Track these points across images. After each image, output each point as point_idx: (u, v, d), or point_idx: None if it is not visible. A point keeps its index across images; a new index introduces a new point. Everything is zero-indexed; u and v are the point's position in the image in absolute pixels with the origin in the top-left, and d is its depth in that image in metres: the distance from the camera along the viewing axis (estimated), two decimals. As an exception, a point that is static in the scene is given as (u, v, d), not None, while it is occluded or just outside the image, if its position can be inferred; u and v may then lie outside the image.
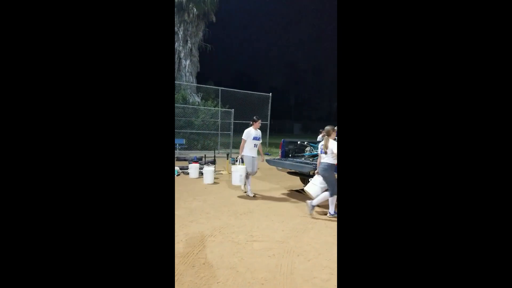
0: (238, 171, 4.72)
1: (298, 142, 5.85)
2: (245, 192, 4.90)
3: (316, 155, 5.36)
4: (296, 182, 5.90)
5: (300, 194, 5.00)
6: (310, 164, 4.51)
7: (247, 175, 4.75)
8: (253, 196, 4.71)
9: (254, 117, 4.86)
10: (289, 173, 5.16)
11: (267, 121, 12.47)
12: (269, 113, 12.63)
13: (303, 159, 5.30)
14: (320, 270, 2.26)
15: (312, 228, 3.26)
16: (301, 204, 4.34)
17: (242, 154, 4.73)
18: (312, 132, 38.55)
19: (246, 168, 4.70)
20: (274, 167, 5.28)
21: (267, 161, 5.34)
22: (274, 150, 12.56)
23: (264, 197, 4.70)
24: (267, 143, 12.54)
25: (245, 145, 4.69)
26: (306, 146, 5.77)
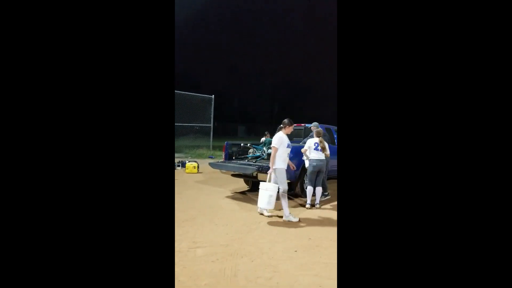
0: (269, 190, 3.47)
1: (242, 144, 5.91)
2: (270, 215, 3.79)
3: (259, 157, 5.49)
4: (240, 184, 5.93)
5: (244, 196, 5.04)
6: (253, 165, 4.58)
7: (283, 194, 3.60)
8: (298, 221, 3.56)
9: (286, 120, 3.77)
10: (233, 175, 5.16)
11: (210, 123, 12.30)
12: (212, 115, 12.47)
13: (246, 160, 5.35)
14: (263, 269, 2.30)
15: (256, 229, 3.31)
16: (246, 205, 4.38)
17: (274, 167, 3.60)
18: (256, 134, 39.44)
19: (279, 185, 3.58)
20: (218, 170, 5.22)
21: (210, 164, 5.25)
22: (218, 153, 12.45)
23: (208, 202, 4.60)
24: (211, 146, 12.36)
25: (277, 154, 3.61)
26: (249, 148, 5.86)
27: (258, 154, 5.63)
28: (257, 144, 6.08)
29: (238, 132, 42.29)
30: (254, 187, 5.44)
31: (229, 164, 4.99)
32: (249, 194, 5.19)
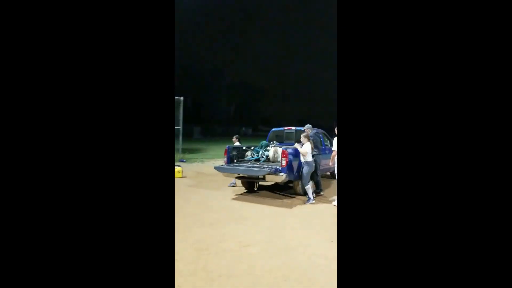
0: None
1: (244, 148, 6.04)
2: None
3: (258, 159, 5.69)
4: (233, 187, 6.11)
5: (248, 196, 5.23)
6: (264, 168, 4.80)
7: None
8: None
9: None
10: (239, 177, 5.26)
11: (179, 125, 11.96)
12: (181, 117, 12.14)
13: (249, 163, 5.52)
14: (319, 258, 2.60)
15: (284, 225, 3.59)
16: (256, 205, 4.61)
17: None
18: (212, 135, 38.89)
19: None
20: (215, 172, 5.25)
21: (217, 168, 5.26)
22: (188, 156, 12.25)
23: (218, 204, 4.69)
24: (180, 149, 12.04)
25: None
26: (246, 151, 6.02)
27: (258, 156, 5.82)
28: (251, 147, 6.23)
29: (193, 133, 41.24)
30: (251, 188, 5.66)
31: (239, 167, 5.10)
32: (250, 195, 5.40)
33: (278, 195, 5.41)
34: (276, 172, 4.60)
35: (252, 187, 5.70)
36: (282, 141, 6.69)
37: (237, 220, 3.79)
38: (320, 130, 6.65)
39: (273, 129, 7.05)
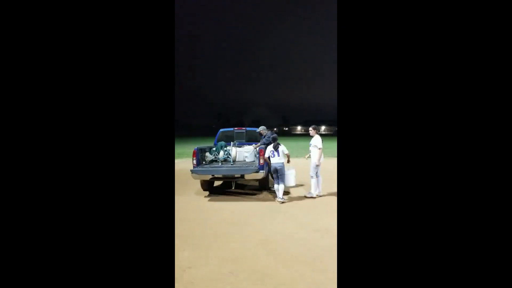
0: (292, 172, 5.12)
1: (201, 149, 5.80)
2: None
3: (225, 160, 5.74)
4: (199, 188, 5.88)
5: (234, 197, 5.33)
6: (251, 167, 5.04)
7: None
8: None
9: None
10: (214, 178, 5.17)
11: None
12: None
13: (220, 163, 5.58)
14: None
15: (295, 218, 3.91)
16: (253, 203, 4.80)
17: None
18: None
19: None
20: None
21: (194, 171, 5.01)
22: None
23: (214, 206, 4.66)
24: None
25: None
26: (205, 152, 5.88)
27: (224, 157, 5.78)
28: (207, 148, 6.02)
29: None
30: (211, 188, 5.67)
31: (222, 168, 5.11)
32: (232, 195, 5.49)
33: (245, 192, 5.70)
34: (257, 170, 4.88)
35: (212, 187, 5.71)
36: (233, 141, 6.50)
37: (247, 220, 3.93)
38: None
39: (222, 129, 6.94)
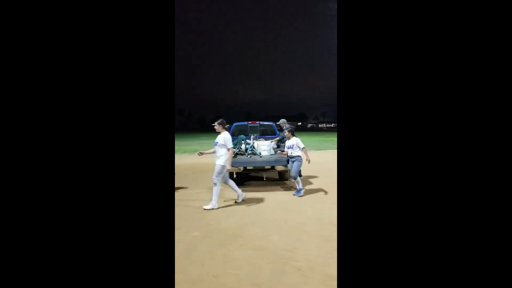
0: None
1: None
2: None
3: (253, 153, 5.85)
4: (202, 181, 6.14)
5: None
6: (282, 159, 5.20)
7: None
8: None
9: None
10: (247, 170, 5.48)
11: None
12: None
13: (248, 156, 5.71)
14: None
15: (307, 206, 4.13)
16: (257, 194, 4.95)
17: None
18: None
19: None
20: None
21: (233, 163, 4.89)
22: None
23: (223, 197, 4.70)
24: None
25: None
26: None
27: (249, 150, 6.00)
28: None
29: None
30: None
31: (257, 160, 5.34)
32: (259, 187, 5.67)
33: (270, 182, 6.03)
34: (286, 163, 5.14)
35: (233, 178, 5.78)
36: (247, 135, 6.62)
37: (257, 209, 4.13)
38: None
39: (236, 123, 6.94)
